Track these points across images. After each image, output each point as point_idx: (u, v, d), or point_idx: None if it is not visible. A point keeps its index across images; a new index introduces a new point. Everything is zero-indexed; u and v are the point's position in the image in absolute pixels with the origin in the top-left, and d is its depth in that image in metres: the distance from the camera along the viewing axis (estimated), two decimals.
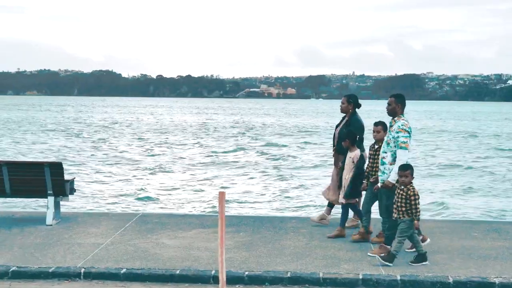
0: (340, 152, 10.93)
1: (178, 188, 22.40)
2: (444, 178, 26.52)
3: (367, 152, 10.50)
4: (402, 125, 9.29)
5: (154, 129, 62.58)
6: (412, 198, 8.89)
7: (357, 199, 10.62)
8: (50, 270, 8.61)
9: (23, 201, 17.18)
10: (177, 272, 8.58)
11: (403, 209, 8.93)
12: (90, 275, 8.57)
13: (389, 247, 9.21)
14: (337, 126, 11.32)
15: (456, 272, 8.60)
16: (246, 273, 8.55)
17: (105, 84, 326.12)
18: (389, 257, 8.93)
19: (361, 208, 10.45)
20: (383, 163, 9.45)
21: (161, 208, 18.29)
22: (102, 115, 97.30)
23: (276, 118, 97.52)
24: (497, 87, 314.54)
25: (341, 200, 10.52)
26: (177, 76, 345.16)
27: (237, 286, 8.36)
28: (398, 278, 8.39)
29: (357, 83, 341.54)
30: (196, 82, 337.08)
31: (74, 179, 11.81)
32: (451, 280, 8.32)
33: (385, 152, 9.44)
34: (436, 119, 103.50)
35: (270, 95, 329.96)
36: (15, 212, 12.71)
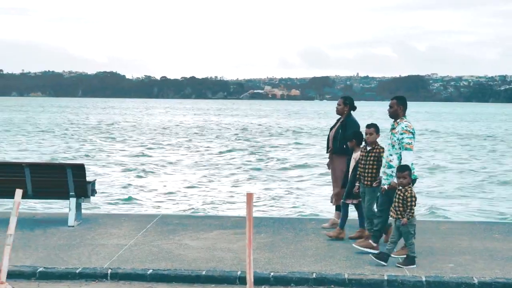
0: (336, 153, 10.97)
1: (193, 189, 22.50)
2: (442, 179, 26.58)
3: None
4: (405, 126, 9.34)
5: (165, 131, 62.69)
6: (409, 199, 8.92)
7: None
8: (77, 271, 8.68)
9: (39, 202, 17.25)
10: (203, 273, 8.64)
11: (401, 209, 8.96)
12: (116, 276, 8.64)
13: (375, 244, 9.45)
14: (331, 128, 11.33)
15: (481, 273, 8.64)
16: (272, 274, 8.61)
17: (109, 85, 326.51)
18: (383, 256, 9.00)
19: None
20: (390, 166, 9.44)
21: (178, 209, 18.35)
22: (121, 117, 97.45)
23: (275, 119, 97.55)
24: (502, 88, 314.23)
25: (343, 199, 10.51)
26: (181, 78, 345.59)
27: (262, 286, 8.42)
28: (423, 279, 8.44)
29: (361, 85, 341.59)
30: (200, 84, 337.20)
31: (96, 181, 11.87)
32: (476, 281, 8.37)
33: (391, 155, 9.46)
34: (436, 120, 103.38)
35: (274, 97, 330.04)
36: (36, 213, 12.79)
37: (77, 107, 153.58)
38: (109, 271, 8.68)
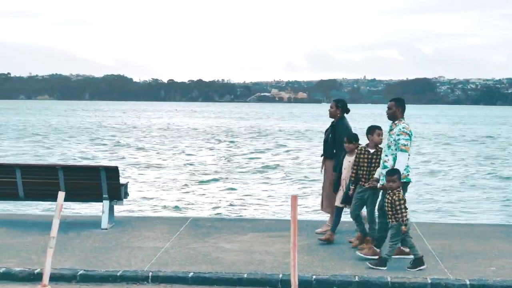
0: (327, 157, 10.86)
1: (218, 191, 22.51)
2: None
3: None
4: (403, 128, 9.35)
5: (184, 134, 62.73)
6: (397, 203, 8.87)
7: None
8: (118, 274, 8.65)
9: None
10: (245, 276, 8.59)
11: (390, 213, 8.94)
12: (158, 279, 8.61)
13: (378, 250, 9.33)
14: (326, 131, 11.25)
15: None
16: (314, 277, 8.56)
17: (116, 88, 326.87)
18: (381, 262, 8.94)
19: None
20: (385, 167, 9.41)
21: (201, 211, 18.34)
22: (139, 120, 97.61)
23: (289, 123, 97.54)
24: (509, 91, 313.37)
25: (337, 203, 10.32)
26: (188, 81, 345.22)
27: None
28: (467, 282, 8.38)
29: (368, 87, 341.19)
30: (207, 87, 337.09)
31: (128, 183, 11.84)
32: None
33: (387, 156, 9.47)
34: (441, 123, 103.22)
35: (281, 100, 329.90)
36: (67, 216, 12.76)
37: (96, 110, 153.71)
38: (150, 274, 8.65)
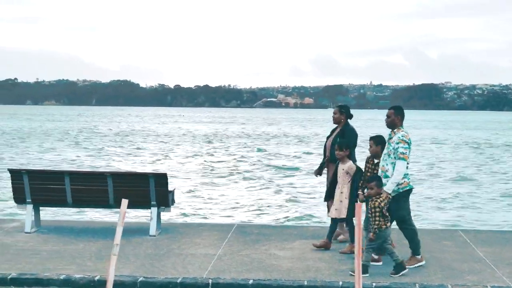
0: (334, 161, 10.74)
1: (249, 197, 22.56)
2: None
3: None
4: (402, 136, 9.35)
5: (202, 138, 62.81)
6: (372, 210, 8.96)
7: None
8: (178, 281, 8.69)
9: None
10: (305, 283, 8.62)
11: (370, 220, 9.06)
12: (218, 286, 8.64)
13: (376, 256, 9.42)
14: (328, 137, 11.17)
15: None
16: (374, 284, 8.58)
17: (123, 94, 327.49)
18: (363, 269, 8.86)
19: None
20: (386, 176, 9.36)
21: (237, 217, 18.38)
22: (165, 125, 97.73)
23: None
24: None
25: (342, 215, 10.17)
26: (195, 86, 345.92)
27: None
28: None
29: (374, 93, 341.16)
30: (214, 92, 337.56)
31: (175, 190, 11.88)
32: None
33: (387, 165, 9.45)
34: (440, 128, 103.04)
35: (287, 105, 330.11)
36: (113, 222, 12.80)
37: (117, 116, 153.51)
38: (210, 281, 8.68)
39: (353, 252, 9.95)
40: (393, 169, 9.30)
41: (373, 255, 9.43)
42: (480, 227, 16.41)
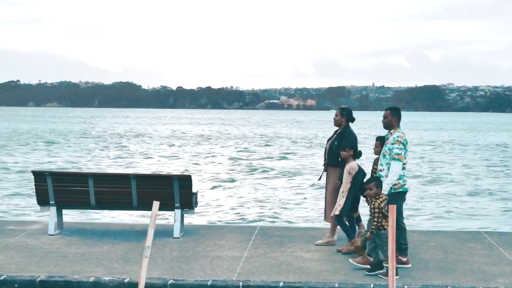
0: (331, 165, 10.67)
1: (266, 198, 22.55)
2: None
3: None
4: (397, 137, 9.36)
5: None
6: (372, 210, 8.98)
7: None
8: (209, 283, 8.64)
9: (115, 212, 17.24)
10: (336, 285, 8.58)
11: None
12: None
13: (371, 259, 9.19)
14: (328, 140, 11.02)
15: None
16: (406, 286, 8.53)
17: (125, 95, 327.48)
18: (375, 266, 9.01)
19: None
20: (380, 176, 9.38)
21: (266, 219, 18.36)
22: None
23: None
24: None
25: (334, 213, 10.24)
26: (197, 88, 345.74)
27: None
28: None
29: (377, 95, 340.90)
30: (216, 94, 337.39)
31: (198, 192, 11.83)
32: None
33: (382, 165, 9.51)
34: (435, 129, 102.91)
35: (290, 107, 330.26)
36: (135, 224, 12.78)
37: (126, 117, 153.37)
38: (241, 283, 8.64)
39: (349, 252, 9.97)
40: (387, 170, 9.35)
41: (400, 257, 9.39)
42: (502, 228, 16.35)
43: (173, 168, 33.51)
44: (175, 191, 11.02)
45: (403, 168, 9.34)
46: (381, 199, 9.00)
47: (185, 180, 11.07)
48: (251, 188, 25.91)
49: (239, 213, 19.70)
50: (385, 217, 8.87)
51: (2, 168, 32.04)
